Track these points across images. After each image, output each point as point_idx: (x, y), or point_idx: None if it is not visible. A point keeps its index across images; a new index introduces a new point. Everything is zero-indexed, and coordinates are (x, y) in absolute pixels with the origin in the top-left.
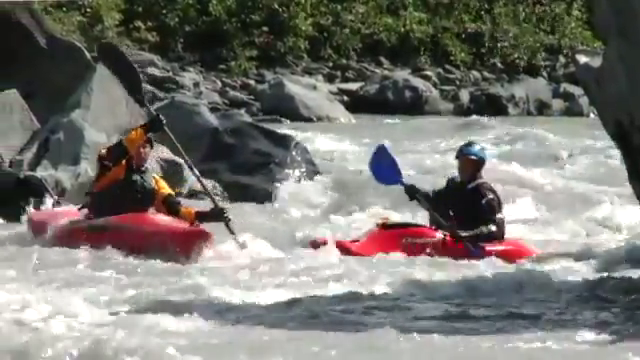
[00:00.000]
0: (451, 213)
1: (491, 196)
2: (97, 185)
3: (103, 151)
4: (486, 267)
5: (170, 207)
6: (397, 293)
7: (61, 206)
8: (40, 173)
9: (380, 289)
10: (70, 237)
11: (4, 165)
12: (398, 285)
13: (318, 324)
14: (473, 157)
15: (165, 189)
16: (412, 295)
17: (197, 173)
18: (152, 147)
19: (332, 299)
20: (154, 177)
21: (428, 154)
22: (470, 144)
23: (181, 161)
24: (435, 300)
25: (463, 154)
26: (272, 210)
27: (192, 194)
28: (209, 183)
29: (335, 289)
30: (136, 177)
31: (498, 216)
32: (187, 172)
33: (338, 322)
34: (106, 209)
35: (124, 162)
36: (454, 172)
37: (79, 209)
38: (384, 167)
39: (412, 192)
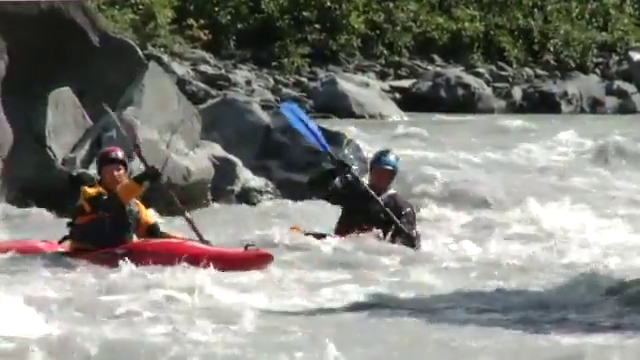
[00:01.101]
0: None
1: (409, 209)
2: (82, 217)
3: (90, 191)
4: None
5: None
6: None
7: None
8: (92, 171)
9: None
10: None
11: (57, 163)
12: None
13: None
14: (390, 167)
15: (147, 215)
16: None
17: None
18: (126, 170)
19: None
20: (135, 202)
21: (482, 152)
22: (386, 153)
23: (234, 158)
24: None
25: (380, 164)
26: (324, 208)
27: (245, 192)
28: (261, 181)
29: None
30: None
31: (417, 229)
32: (239, 169)
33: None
34: (94, 238)
35: (101, 189)
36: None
37: (60, 242)
38: (306, 126)
39: (344, 167)
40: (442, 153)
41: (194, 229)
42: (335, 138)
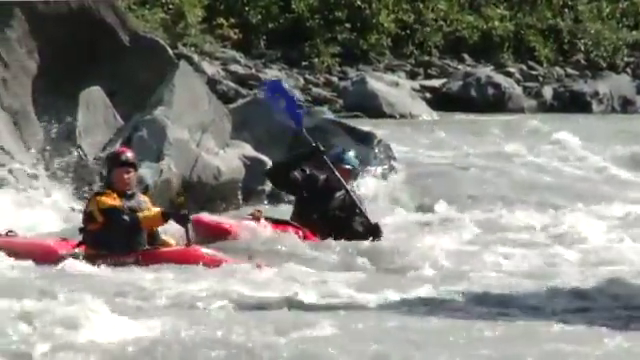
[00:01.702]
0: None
1: (364, 206)
2: (93, 225)
3: (107, 202)
4: None
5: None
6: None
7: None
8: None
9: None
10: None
11: (88, 162)
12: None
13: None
14: (350, 166)
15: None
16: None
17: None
18: (136, 170)
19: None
20: (142, 197)
21: (512, 152)
22: (346, 152)
23: (264, 158)
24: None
25: (341, 162)
26: None
27: (276, 191)
28: None
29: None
30: (132, 204)
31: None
32: None
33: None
34: (110, 242)
35: (114, 195)
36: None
37: (76, 245)
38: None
39: (319, 152)
40: (472, 152)
41: (186, 233)
42: (365, 138)
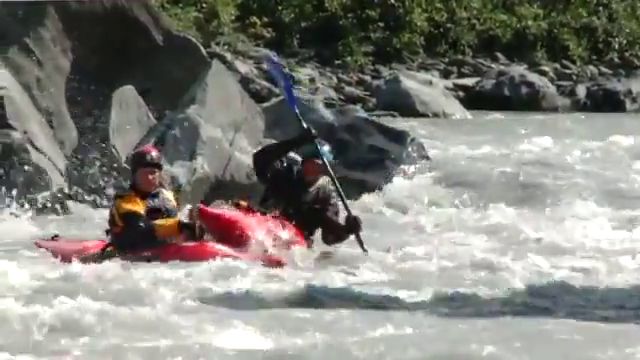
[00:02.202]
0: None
1: (334, 200)
2: (115, 228)
3: (126, 207)
4: None
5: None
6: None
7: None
8: None
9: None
10: None
11: (121, 161)
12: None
13: None
14: (321, 161)
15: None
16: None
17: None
18: (161, 170)
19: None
20: (166, 194)
21: (549, 151)
22: (320, 145)
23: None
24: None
25: (314, 156)
26: (386, 206)
27: None
28: (324, 179)
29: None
30: (157, 203)
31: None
32: None
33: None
34: (131, 245)
35: (136, 198)
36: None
37: (105, 246)
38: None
39: (310, 134)
40: (505, 151)
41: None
42: (398, 136)
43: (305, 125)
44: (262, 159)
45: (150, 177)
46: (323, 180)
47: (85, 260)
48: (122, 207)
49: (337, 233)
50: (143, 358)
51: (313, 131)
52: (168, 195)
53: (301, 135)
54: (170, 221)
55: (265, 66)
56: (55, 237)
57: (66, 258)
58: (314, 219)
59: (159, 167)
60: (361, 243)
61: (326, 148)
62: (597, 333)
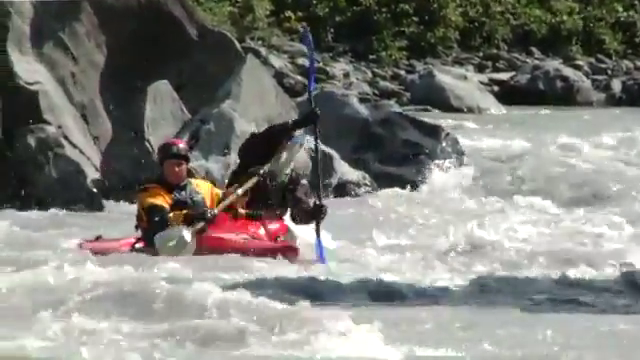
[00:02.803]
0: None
1: (304, 181)
2: (142, 222)
3: (147, 201)
4: None
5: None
6: None
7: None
8: (190, 164)
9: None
10: None
11: (155, 156)
12: None
13: None
14: (296, 143)
15: (212, 191)
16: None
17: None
18: (188, 162)
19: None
20: (197, 184)
21: (586, 147)
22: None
23: (331, 152)
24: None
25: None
26: (420, 201)
27: (342, 185)
28: (358, 174)
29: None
30: (183, 196)
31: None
32: (337, 162)
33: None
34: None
35: (160, 190)
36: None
37: (135, 242)
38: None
39: (314, 117)
40: (540, 146)
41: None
42: (433, 131)
43: (315, 108)
44: (268, 138)
45: (176, 169)
46: (296, 162)
47: (112, 258)
48: (144, 201)
49: (303, 215)
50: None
51: (318, 113)
52: (198, 187)
53: (307, 116)
54: (178, 213)
55: (303, 40)
56: (98, 238)
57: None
58: (285, 198)
59: (186, 159)
60: (318, 232)
61: (299, 139)
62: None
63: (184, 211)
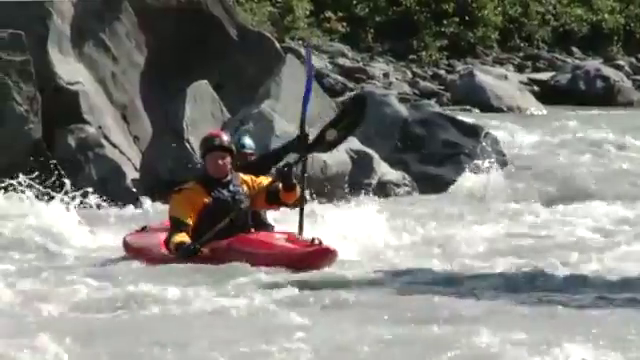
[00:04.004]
0: None
1: None
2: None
3: (175, 212)
4: None
5: (271, 198)
6: None
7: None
8: None
9: None
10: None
11: (195, 156)
12: None
13: None
14: (250, 151)
15: (256, 183)
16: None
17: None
18: (233, 155)
19: None
20: (242, 179)
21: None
22: (242, 137)
23: (371, 152)
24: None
25: (242, 148)
26: (459, 201)
27: (382, 185)
28: (398, 174)
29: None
30: (223, 194)
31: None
32: (377, 162)
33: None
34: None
35: (203, 186)
36: None
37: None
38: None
39: (306, 146)
40: (581, 146)
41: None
42: (473, 131)
43: (306, 131)
44: (261, 168)
45: (220, 162)
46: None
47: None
48: (171, 207)
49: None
50: None
51: (309, 138)
52: (243, 184)
53: (293, 141)
54: (177, 238)
55: (304, 53)
56: (144, 228)
57: (152, 258)
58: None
59: (230, 151)
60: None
61: (249, 140)
62: None
63: (183, 240)
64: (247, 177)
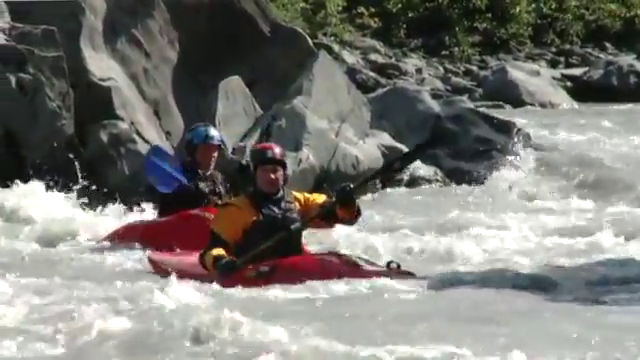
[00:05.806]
0: None
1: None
2: None
3: (218, 227)
4: None
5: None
6: None
7: None
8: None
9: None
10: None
11: (227, 152)
12: None
13: None
14: (217, 143)
15: (309, 200)
16: None
17: None
18: (285, 169)
19: None
20: (294, 197)
21: None
22: (208, 129)
23: (403, 147)
24: None
25: (209, 140)
26: (492, 197)
27: (414, 180)
28: (430, 169)
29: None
30: (274, 211)
31: None
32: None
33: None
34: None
35: (251, 201)
36: None
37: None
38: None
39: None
40: (615, 143)
41: None
42: (505, 127)
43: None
44: None
45: (272, 176)
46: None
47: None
48: (214, 220)
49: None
50: None
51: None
52: (294, 203)
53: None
54: (214, 252)
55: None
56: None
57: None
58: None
59: (282, 165)
60: None
61: (214, 131)
62: None
63: (220, 254)
64: (300, 194)
